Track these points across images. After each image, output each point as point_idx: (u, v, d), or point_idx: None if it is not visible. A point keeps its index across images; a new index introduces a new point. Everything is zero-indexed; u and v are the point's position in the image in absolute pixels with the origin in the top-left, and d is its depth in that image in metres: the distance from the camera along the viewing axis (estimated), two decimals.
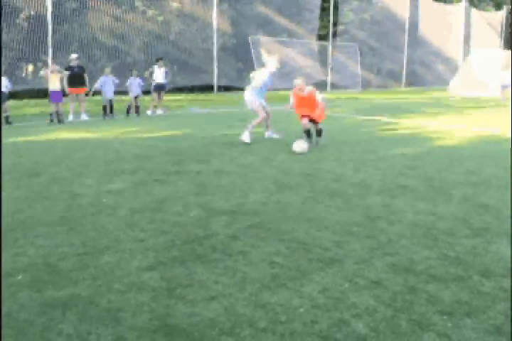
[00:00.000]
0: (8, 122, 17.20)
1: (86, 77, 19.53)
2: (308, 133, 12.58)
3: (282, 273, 4.93)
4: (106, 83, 19.51)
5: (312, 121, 12.58)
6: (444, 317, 4.10)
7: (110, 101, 19.52)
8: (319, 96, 12.48)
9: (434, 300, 4.40)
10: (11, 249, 5.49)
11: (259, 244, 5.72)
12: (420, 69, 49.26)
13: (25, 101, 25.12)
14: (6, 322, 4.00)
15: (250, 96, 13.57)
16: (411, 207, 7.30)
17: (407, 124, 17.61)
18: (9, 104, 18.03)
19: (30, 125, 17.20)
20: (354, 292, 4.53)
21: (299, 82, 12.65)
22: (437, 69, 51.44)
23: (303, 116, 12.54)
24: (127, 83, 20.27)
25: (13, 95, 21.27)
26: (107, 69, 19.96)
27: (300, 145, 11.67)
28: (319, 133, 12.80)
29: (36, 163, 10.41)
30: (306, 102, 12.47)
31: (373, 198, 7.76)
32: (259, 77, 13.59)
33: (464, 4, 51.03)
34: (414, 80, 47.71)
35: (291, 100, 12.85)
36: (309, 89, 12.52)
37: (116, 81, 19.87)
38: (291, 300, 4.38)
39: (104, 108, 19.49)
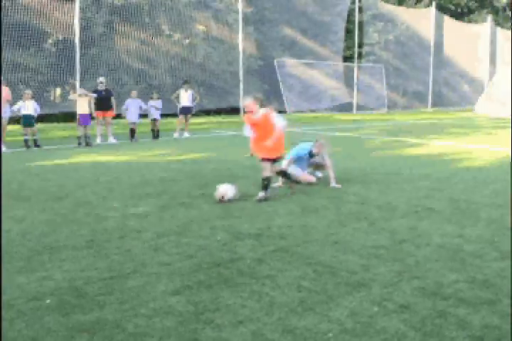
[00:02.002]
0: (36, 145, 17.37)
1: (113, 100, 19.71)
2: (267, 181, 9.33)
3: (310, 297, 4.89)
4: (131, 106, 19.66)
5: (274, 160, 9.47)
6: None
7: (134, 124, 19.64)
8: (279, 121, 9.23)
9: (464, 324, 4.33)
10: (38, 273, 5.51)
11: (285, 267, 5.69)
12: (446, 89, 49.14)
13: (53, 124, 25.38)
14: None
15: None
16: (437, 229, 7.24)
17: (433, 145, 17.52)
18: (38, 127, 18.20)
19: (58, 148, 17.34)
20: (383, 316, 4.48)
21: (246, 102, 9.44)
22: (463, 89, 51.31)
23: (263, 159, 9.40)
24: (146, 106, 20.35)
25: (42, 118, 21.48)
26: (134, 93, 20.12)
27: (220, 190, 9.05)
28: (284, 175, 9.75)
29: (62, 186, 10.48)
30: (264, 131, 9.27)
31: (399, 221, 7.71)
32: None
33: (489, 24, 50.92)
34: (440, 101, 47.59)
35: (247, 130, 9.73)
36: (263, 111, 9.26)
37: (144, 106, 20.01)
38: (320, 324, 4.33)
39: (131, 131, 19.62)
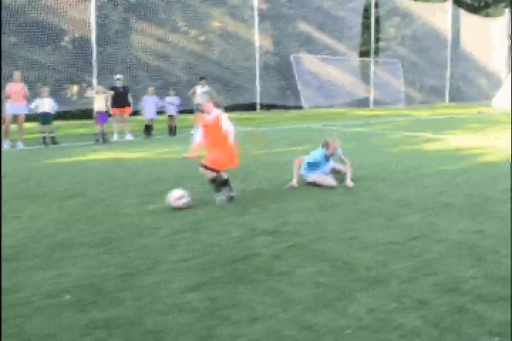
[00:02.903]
0: (54, 142, 17.45)
1: (130, 97, 19.72)
2: (215, 181, 8.67)
3: (326, 293, 4.87)
4: (147, 103, 19.70)
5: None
6: (494, 339, 4.00)
7: (150, 120, 19.67)
8: (229, 124, 8.45)
9: (482, 320, 4.30)
10: (54, 270, 5.53)
11: (301, 264, 5.67)
12: (463, 84, 48.85)
13: (70, 121, 25.48)
14: None
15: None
16: (454, 225, 7.19)
17: (450, 140, 17.42)
18: (55, 124, 18.29)
19: (76, 145, 17.42)
20: (400, 312, 4.45)
21: (200, 100, 8.60)
22: (481, 83, 50.99)
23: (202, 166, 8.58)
24: (163, 103, 20.34)
25: (59, 116, 21.57)
26: (150, 89, 20.15)
27: (178, 199, 8.23)
28: (224, 184, 8.75)
29: (78, 183, 10.51)
30: (214, 135, 8.53)
31: (415, 216, 7.66)
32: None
33: (506, 17, 50.54)
34: (457, 95, 47.31)
35: (197, 133, 8.89)
36: (217, 112, 8.48)
37: (160, 103, 20.01)
38: (337, 321, 4.31)
39: (146, 127, 19.65)
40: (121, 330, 4.18)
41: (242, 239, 6.63)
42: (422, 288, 4.96)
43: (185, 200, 8.20)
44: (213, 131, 8.44)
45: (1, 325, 4.25)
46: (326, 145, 10.00)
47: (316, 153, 10.10)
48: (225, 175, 8.69)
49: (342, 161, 10.36)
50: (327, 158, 10.12)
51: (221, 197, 8.54)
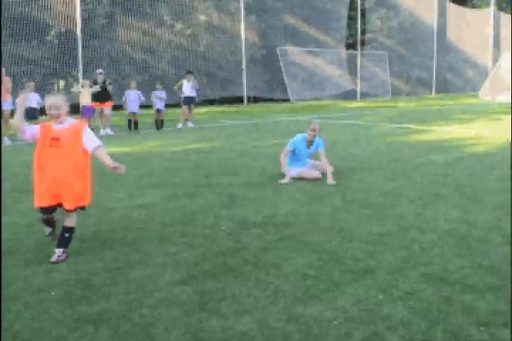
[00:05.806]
0: None
1: (111, 91, 19.61)
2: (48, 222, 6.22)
3: (315, 285, 4.89)
4: (129, 97, 19.52)
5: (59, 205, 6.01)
6: (481, 328, 4.03)
7: (134, 115, 19.47)
8: (92, 141, 6.05)
9: (470, 310, 4.32)
10: (44, 265, 5.51)
11: (291, 256, 5.68)
12: (450, 75, 48.96)
13: None
14: (39, 338, 4.01)
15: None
16: (443, 215, 7.22)
17: (438, 131, 17.47)
18: (41, 119, 18.18)
19: None
20: (388, 303, 4.47)
21: (55, 100, 6.24)
22: (467, 75, 51.11)
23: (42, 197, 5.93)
24: (144, 98, 20.16)
25: (45, 111, 21.47)
26: (133, 83, 19.97)
27: None
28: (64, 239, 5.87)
29: None
30: (60, 152, 5.98)
31: (405, 207, 7.70)
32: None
33: (492, 9, 50.65)
34: (444, 87, 47.42)
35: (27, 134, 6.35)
36: (74, 121, 6.16)
37: (142, 98, 19.72)
38: (325, 312, 4.33)
39: (129, 122, 19.50)
40: (111, 325, 4.18)
41: (231, 231, 6.64)
42: (411, 278, 4.99)
43: None
44: (60, 146, 5.96)
45: (0, 324, 4.25)
46: (310, 126, 9.96)
47: (297, 138, 10.09)
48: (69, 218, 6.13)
49: (321, 158, 10.15)
50: (307, 144, 10.08)
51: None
